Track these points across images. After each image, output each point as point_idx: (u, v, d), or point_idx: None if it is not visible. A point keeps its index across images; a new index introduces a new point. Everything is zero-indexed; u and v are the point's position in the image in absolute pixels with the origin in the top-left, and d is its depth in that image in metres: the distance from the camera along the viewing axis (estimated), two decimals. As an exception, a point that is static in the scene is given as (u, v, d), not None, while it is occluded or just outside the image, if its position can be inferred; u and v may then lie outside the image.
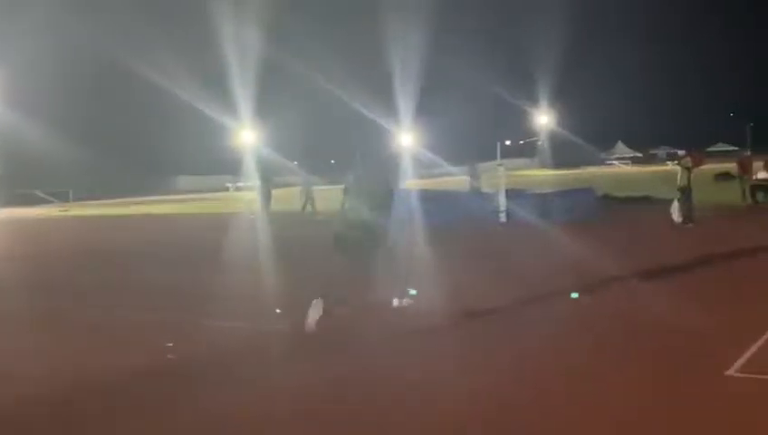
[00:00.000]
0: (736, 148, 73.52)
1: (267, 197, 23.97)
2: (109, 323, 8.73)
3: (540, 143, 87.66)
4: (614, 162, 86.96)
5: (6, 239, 24.78)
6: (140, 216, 33.77)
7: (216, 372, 6.40)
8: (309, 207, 25.72)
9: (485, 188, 23.48)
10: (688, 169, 17.06)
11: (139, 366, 6.65)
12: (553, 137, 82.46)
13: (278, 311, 8.54)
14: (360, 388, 5.81)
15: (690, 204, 16.86)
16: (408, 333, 7.52)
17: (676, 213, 16.77)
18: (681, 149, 69.87)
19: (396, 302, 8.39)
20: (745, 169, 22.42)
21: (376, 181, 8.00)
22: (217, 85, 48.05)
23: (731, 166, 28.56)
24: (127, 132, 63.25)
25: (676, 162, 18.23)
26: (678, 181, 17.00)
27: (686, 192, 16.84)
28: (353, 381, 6.01)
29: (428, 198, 21.37)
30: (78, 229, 28.30)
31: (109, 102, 61.47)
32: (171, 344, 7.19)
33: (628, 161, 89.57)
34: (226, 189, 60.36)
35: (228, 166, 59.92)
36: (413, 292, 8.70)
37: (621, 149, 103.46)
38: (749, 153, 27.76)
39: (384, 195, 7.99)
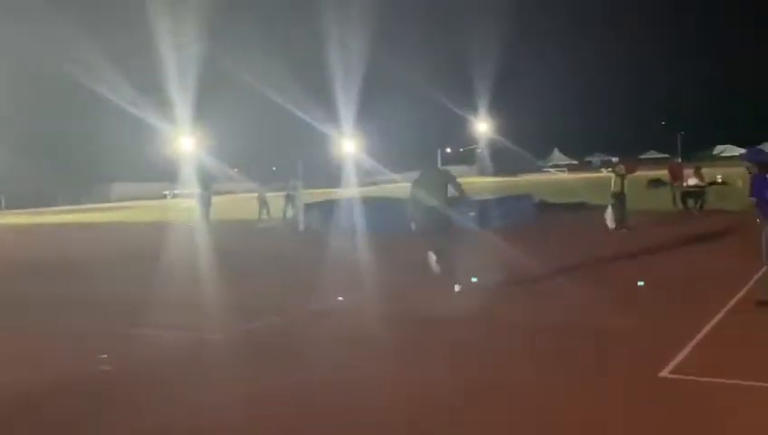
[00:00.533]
0: (667, 155, 75.90)
1: (207, 204, 23.63)
2: (43, 334, 8.53)
3: (479, 151, 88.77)
4: (550, 170, 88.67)
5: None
6: (75, 224, 32.94)
7: (156, 381, 6.32)
8: (264, 214, 25.44)
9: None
10: (622, 176, 17.55)
11: (73, 378, 6.52)
12: (492, 145, 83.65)
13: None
14: (306, 393, 5.82)
15: (624, 210, 17.34)
16: (347, 339, 7.57)
17: (609, 218, 17.23)
18: (615, 156, 71.70)
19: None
20: (676, 175, 23.12)
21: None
22: (155, 91, 47.29)
23: (662, 173, 29.40)
24: (62, 139, 61.60)
25: (610, 169, 18.69)
26: (612, 187, 17.48)
27: (619, 198, 17.31)
28: (298, 387, 6.01)
29: (369, 204, 21.50)
30: (11, 238, 27.46)
31: (44, 108, 59.70)
32: (106, 355, 7.07)
33: (564, 169, 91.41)
34: (164, 197, 59.34)
35: (166, 173, 58.96)
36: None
37: (557, 156, 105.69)
38: (680, 160, 28.63)
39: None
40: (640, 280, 9.83)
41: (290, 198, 25.36)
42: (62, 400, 5.96)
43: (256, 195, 27.04)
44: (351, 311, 9.09)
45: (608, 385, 5.70)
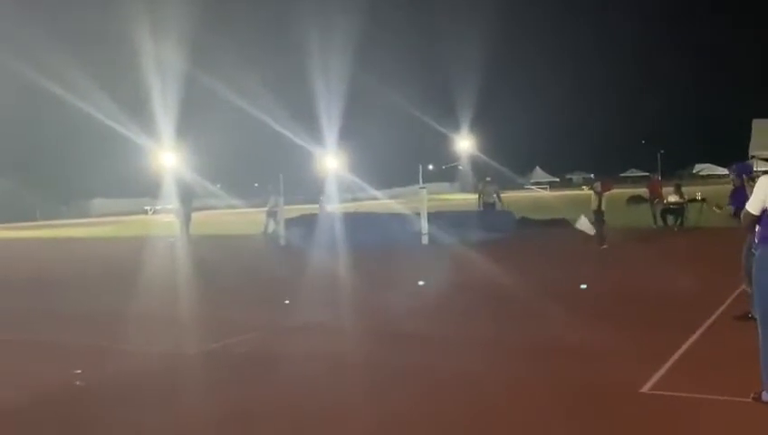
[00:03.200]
0: (647, 173, 76.47)
1: (186, 219, 23.49)
2: (16, 347, 8.37)
3: (461, 168, 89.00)
4: (532, 187, 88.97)
5: None
6: (54, 239, 32.56)
7: (129, 397, 6.18)
8: (271, 227, 24.91)
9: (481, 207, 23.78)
10: (599, 194, 17.58)
11: (46, 392, 6.35)
12: (474, 162, 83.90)
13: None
14: (279, 411, 5.69)
15: (603, 226, 17.35)
16: (322, 356, 7.45)
17: (585, 226, 17.20)
18: (594, 174, 72.08)
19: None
20: (656, 192, 23.25)
21: None
22: (137, 106, 47.06)
23: (642, 190, 29.56)
24: (42, 154, 61.01)
25: (589, 187, 18.76)
26: (592, 205, 17.55)
27: (598, 215, 17.35)
28: (271, 404, 5.89)
29: (353, 220, 21.44)
30: None
31: (24, 124, 59.23)
32: (80, 371, 6.91)
33: (546, 186, 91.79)
34: (145, 212, 58.89)
35: (148, 188, 58.64)
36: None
37: (539, 174, 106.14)
38: (659, 177, 28.79)
39: None
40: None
41: (271, 214, 25.19)
42: (33, 415, 5.80)
43: (267, 208, 26.40)
44: (328, 327, 8.97)
45: (589, 401, 5.63)
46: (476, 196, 24.94)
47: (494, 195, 24.26)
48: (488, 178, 25.02)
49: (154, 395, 6.29)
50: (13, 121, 57.93)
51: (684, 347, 7.02)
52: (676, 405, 5.44)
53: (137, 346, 8.13)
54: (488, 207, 23.81)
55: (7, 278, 16.62)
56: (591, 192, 18.25)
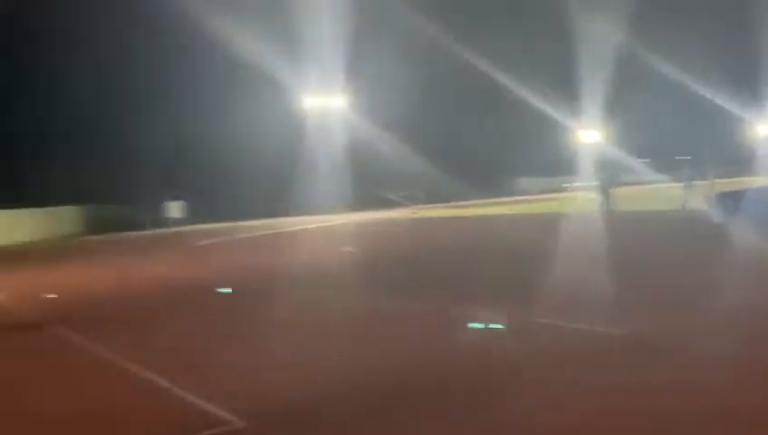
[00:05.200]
0: None
1: (607, 195, 23.36)
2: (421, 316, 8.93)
3: None
4: None
5: (379, 237, 26.59)
6: (491, 216, 33.89)
7: (545, 373, 6.24)
8: (691, 203, 23.86)
9: None
10: None
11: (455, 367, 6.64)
12: None
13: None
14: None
15: None
16: None
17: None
18: None
19: None
20: None
21: None
22: (564, 86, 46.98)
23: None
24: (469, 136, 64.57)
25: None
26: None
27: None
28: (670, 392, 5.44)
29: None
30: (434, 226, 29.71)
31: (454, 108, 63.29)
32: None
33: None
34: (564, 190, 59.51)
35: (568, 166, 59.27)
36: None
37: None
38: None
39: None
40: None
41: (688, 188, 23.70)
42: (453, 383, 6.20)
43: (683, 183, 25.06)
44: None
45: None
46: None
47: None
48: None
49: (573, 371, 6.26)
50: (447, 107, 62.54)
51: None
52: None
53: (557, 321, 8.06)
54: None
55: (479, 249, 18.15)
56: None
